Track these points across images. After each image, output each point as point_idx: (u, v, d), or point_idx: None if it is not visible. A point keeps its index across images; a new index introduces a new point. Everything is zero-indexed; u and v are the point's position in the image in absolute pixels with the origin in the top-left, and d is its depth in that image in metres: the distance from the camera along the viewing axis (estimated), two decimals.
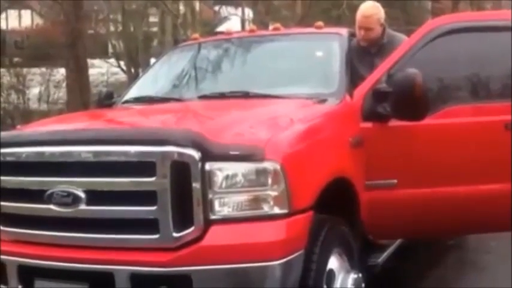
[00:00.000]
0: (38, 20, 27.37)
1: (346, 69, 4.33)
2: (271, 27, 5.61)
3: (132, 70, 22.60)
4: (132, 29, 23.04)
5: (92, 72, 17.81)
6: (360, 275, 3.62)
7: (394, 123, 3.87)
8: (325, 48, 4.68)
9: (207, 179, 3.03)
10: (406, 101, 3.71)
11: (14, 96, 16.12)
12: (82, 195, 3.17)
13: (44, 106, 16.55)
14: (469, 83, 4.28)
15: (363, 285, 3.65)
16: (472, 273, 5.24)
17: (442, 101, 4.05)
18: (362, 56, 4.62)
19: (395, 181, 3.90)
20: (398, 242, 4.50)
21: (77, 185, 3.20)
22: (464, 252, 5.98)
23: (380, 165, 3.87)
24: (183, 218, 3.03)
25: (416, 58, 4.04)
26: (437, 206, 3.94)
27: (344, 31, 4.82)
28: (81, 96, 14.29)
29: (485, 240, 5.75)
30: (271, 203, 3.07)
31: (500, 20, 4.25)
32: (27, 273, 3.32)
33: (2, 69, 17.05)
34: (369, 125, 3.91)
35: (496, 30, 4.19)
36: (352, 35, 4.77)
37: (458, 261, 5.60)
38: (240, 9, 22.89)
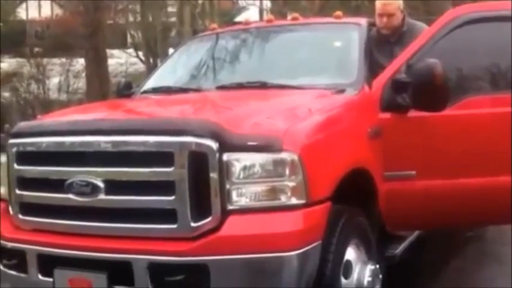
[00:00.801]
0: (58, 10, 27.55)
1: (365, 59, 4.29)
2: (289, 17, 5.59)
3: (151, 60, 22.65)
4: (150, 19, 23.07)
5: (111, 62, 17.92)
6: (378, 266, 3.61)
7: (413, 113, 3.84)
8: (344, 38, 4.65)
9: (224, 169, 3.04)
10: (425, 91, 3.68)
11: (34, 86, 16.26)
12: (101, 184, 3.20)
13: (63, 96, 16.66)
14: (489, 73, 4.22)
15: (380, 276, 3.64)
16: (491, 265, 5.20)
17: (462, 92, 4.00)
18: (381, 45, 4.59)
19: (413, 172, 3.88)
20: (416, 233, 4.47)
21: (96, 175, 3.22)
22: (483, 243, 5.93)
23: (398, 156, 3.85)
24: (201, 208, 3.05)
25: (436, 48, 3.99)
26: (455, 197, 3.91)
27: (363, 21, 4.78)
28: (100, 86, 14.41)
29: (504, 232, 5.70)
30: (289, 193, 3.07)
31: None
32: (47, 262, 3.35)
33: (23, 60, 17.21)
34: (387, 115, 3.88)
35: None
36: (371, 24, 4.73)
37: (477, 253, 5.56)
38: None
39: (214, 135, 3.05)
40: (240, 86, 4.31)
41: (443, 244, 5.70)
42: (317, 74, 4.35)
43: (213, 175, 3.03)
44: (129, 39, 26.14)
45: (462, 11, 4.25)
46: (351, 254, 3.44)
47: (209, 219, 3.04)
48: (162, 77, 5.06)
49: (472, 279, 4.91)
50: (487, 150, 3.92)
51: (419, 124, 3.87)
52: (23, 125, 3.74)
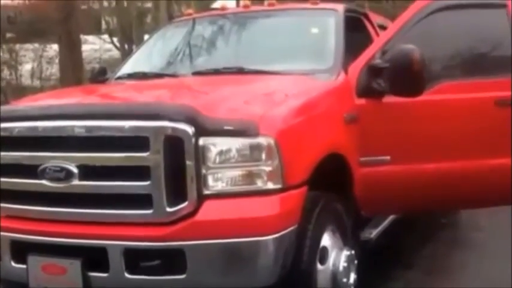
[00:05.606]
0: None
1: (342, 45, 4.29)
2: (266, 3, 5.57)
3: (126, 46, 22.46)
4: (125, 4, 22.84)
5: (85, 48, 17.68)
6: (353, 252, 3.63)
7: (388, 99, 3.86)
8: (321, 24, 4.65)
9: (200, 154, 3.02)
10: (403, 76, 3.69)
11: (6, 72, 16.01)
12: (75, 170, 3.15)
13: (36, 82, 16.45)
14: (462, 59, 4.28)
15: (356, 262, 3.66)
16: (463, 251, 5.28)
17: (435, 77, 4.03)
18: None
19: (388, 157, 3.90)
20: (391, 217, 4.52)
21: (69, 160, 3.18)
22: (456, 230, 6.02)
23: (374, 142, 3.87)
24: (177, 193, 3.02)
25: (410, 34, 4.02)
26: (429, 181, 3.95)
27: (340, 7, 4.78)
28: (74, 72, 14.20)
29: (477, 219, 5.79)
30: (265, 178, 3.06)
31: None
32: (20, 249, 3.31)
33: None
34: (363, 101, 3.90)
35: (489, 7, 4.18)
36: (347, 10, 4.73)
37: (450, 239, 5.64)
38: None
39: (190, 120, 3.02)
40: (216, 72, 4.29)
41: (417, 229, 5.76)
42: (294, 59, 4.34)
43: (189, 160, 3.00)
44: (103, 25, 25.82)
45: None
46: (326, 240, 3.44)
47: (185, 204, 3.02)
48: (137, 62, 5.01)
49: (445, 264, 4.97)
50: (459, 134, 3.97)
51: (394, 109, 3.89)
52: None
